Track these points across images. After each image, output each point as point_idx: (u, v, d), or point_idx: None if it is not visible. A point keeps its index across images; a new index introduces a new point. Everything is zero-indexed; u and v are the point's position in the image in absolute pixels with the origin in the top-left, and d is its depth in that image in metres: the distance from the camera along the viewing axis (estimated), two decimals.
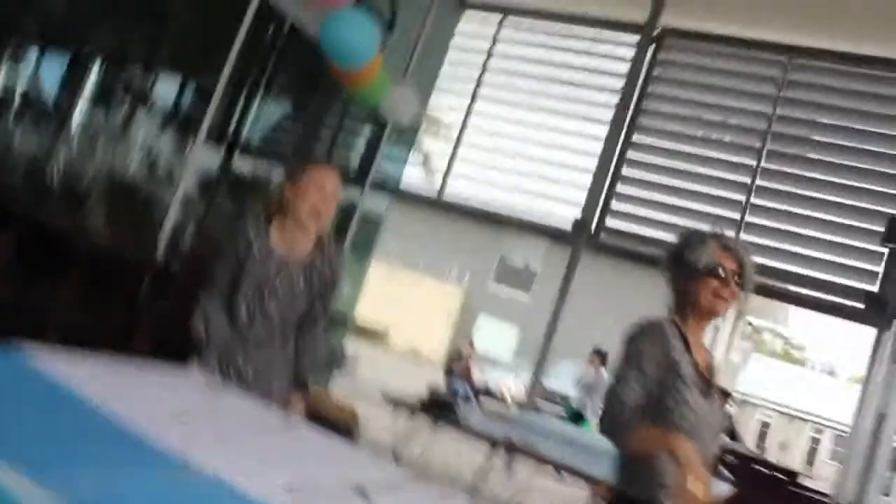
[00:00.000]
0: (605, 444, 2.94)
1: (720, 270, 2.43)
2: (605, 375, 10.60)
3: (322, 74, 5.09)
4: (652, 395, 2.34)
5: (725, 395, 2.53)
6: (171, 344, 2.94)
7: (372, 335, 26.31)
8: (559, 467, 4.15)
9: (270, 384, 2.82)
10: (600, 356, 11.10)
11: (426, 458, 5.29)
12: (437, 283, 32.85)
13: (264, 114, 6.90)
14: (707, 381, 2.41)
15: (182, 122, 6.01)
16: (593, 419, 11.06)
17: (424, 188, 9.92)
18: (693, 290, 2.48)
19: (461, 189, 9.89)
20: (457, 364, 13.46)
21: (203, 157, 6.18)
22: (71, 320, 4.23)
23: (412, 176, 9.46)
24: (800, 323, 39.57)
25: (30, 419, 1.44)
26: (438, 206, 9.90)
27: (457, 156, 9.84)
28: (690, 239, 2.54)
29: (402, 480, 1.96)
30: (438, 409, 4.01)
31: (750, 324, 42.61)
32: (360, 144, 7.39)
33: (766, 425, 39.91)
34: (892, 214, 6.97)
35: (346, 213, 6.77)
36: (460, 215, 10.60)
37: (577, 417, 9.31)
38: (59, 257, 4.39)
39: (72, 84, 5.32)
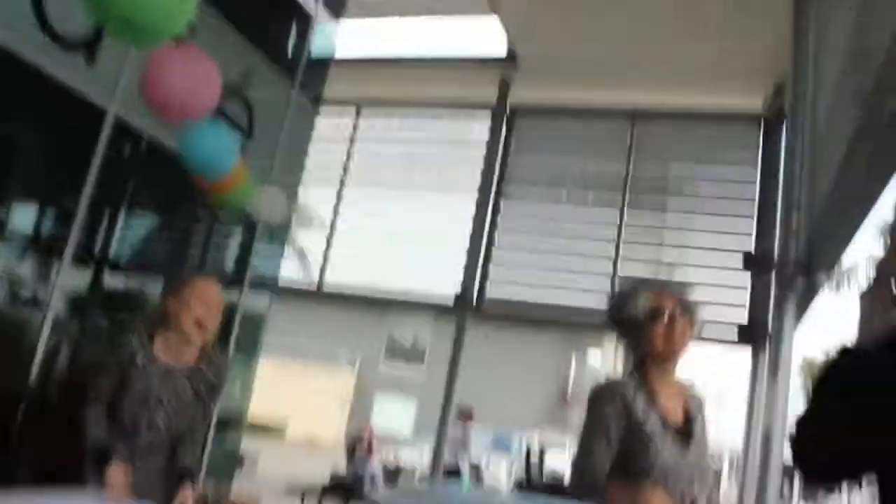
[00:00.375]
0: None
1: (663, 312, 2.41)
2: (471, 431, 10.68)
3: (187, 185, 5.08)
4: (620, 454, 2.31)
5: None
6: (54, 471, 2.87)
7: (269, 430, 25.67)
8: None
9: (161, 492, 2.76)
10: (466, 413, 11.37)
11: None
12: (329, 370, 32.46)
13: (131, 229, 6.79)
14: (680, 428, 2.36)
15: (45, 247, 5.87)
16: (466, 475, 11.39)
17: (304, 280, 9.89)
18: (644, 341, 2.45)
19: (341, 276, 9.93)
20: (359, 446, 13.28)
21: (71, 278, 6.04)
22: None
23: (291, 270, 9.42)
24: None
25: None
26: (320, 295, 9.88)
27: (332, 245, 9.91)
28: (623, 293, 2.56)
29: None
30: (344, 491, 3.95)
31: None
32: (234, 247, 7.34)
33: None
34: (749, 251, 7.39)
35: (227, 314, 6.67)
36: (345, 302, 10.61)
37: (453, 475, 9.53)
38: None
39: None
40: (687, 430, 2.37)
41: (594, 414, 2.39)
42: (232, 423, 7.49)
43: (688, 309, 2.46)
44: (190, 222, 7.04)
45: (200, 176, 4.28)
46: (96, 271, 6.50)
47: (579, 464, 2.38)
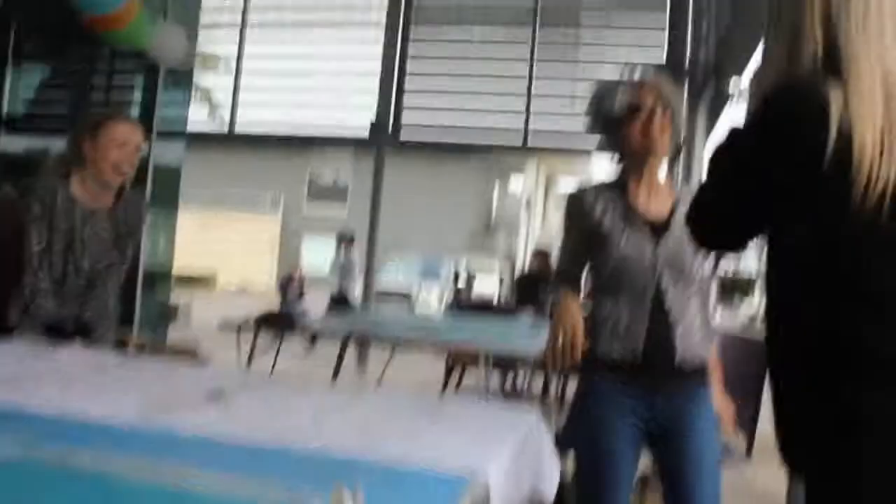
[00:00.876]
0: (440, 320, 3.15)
1: (639, 106, 2.32)
2: (355, 257, 11.00)
3: (77, 27, 4.78)
4: (589, 256, 2.37)
5: None
6: None
7: (198, 282, 25.68)
8: (407, 343, 4.32)
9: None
10: (348, 239, 11.59)
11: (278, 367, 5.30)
12: (254, 217, 32.27)
13: (23, 84, 6.46)
14: (658, 224, 2.32)
15: None
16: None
17: (214, 125, 9.65)
18: (622, 138, 2.37)
19: (254, 118, 9.70)
20: (289, 287, 13.53)
21: None
22: None
23: (200, 115, 9.16)
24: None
25: None
26: (235, 140, 9.67)
27: (240, 87, 9.58)
28: (600, 91, 2.45)
29: (256, 382, 2.08)
30: (279, 323, 4.05)
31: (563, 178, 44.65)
32: (136, 94, 7.03)
33: None
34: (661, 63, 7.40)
35: (138, 166, 6.50)
36: (261, 144, 10.41)
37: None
38: None
39: None
40: (666, 224, 2.32)
41: (562, 222, 2.46)
42: (158, 275, 7.46)
43: (668, 103, 2.35)
44: (86, 69, 6.68)
45: (89, 12, 4.04)
46: None
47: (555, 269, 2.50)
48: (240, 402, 1.76)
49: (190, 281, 19.90)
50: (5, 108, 6.45)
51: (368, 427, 1.63)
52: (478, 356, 3.73)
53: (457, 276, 9.57)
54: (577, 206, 2.40)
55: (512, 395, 6.02)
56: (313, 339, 10.03)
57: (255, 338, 3.96)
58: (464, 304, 8.10)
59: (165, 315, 9.01)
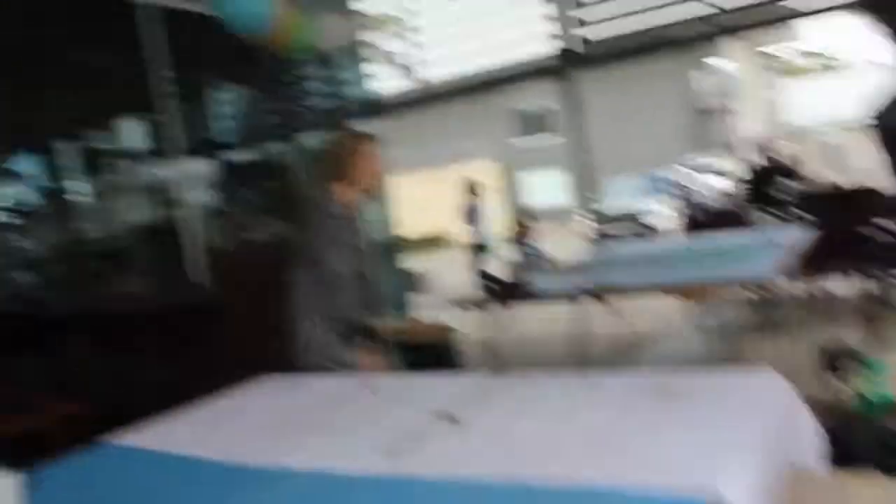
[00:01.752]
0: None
1: None
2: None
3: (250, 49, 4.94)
4: None
5: None
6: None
7: (431, 244, 26.42)
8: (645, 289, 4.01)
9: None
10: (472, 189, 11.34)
11: (519, 336, 5.24)
12: (467, 166, 32.65)
13: (221, 110, 6.88)
14: None
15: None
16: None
17: (407, 86, 9.80)
18: None
19: (443, 71, 9.77)
20: (521, 233, 13.63)
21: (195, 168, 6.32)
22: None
23: (390, 81, 9.37)
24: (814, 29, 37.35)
25: None
26: (430, 96, 9.70)
27: (421, 44, 9.61)
28: None
29: (488, 388, 1.97)
30: (511, 291, 3.94)
31: (765, 54, 41.16)
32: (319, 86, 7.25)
33: (835, 147, 38.77)
34: None
35: None
36: (457, 94, 10.40)
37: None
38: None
39: None
40: None
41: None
42: (394, 246, 7.77)
43: None
44: (273, 82, 6.99)
45: (249, 34, 4.10)
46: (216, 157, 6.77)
47: None
48: (475, 424, 1.67)
49: (421, 244, 20.45)
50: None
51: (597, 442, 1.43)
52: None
53: (682, 186, 8.98)
54: None
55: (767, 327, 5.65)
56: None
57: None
58: (699, 218, 7.58)
59: (411, 285, 9.40)
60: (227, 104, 7.15)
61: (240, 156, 7.52)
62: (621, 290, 3.85)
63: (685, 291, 3.47)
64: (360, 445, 1.67)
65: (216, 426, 2.05)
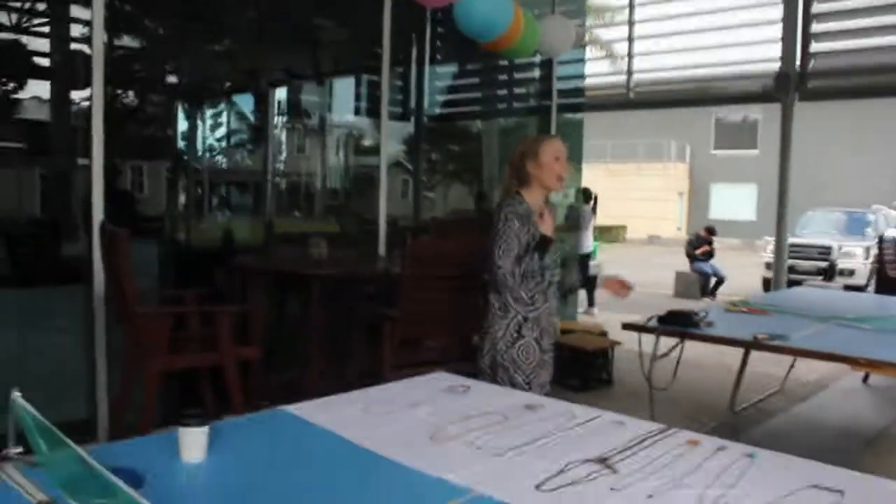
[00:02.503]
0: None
1: None
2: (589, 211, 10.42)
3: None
4: None
5: None
6: None
7: (609, 232, 26.33)
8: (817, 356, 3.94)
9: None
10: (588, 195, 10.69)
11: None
12: (661, 165, 32.05)
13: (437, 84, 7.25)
14: None
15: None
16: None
17: (614, 81, 9.85)
18: None
19: (655, 76, 9.74)
20: (701, 249, 13.31)
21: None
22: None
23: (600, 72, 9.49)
24: None
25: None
26: (633, 95, 9.66)
27: (634, 43, 9.60)
28: None
29: (644, 433, 2.08)
30: (680, 323, 3.94)
31: None
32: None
33: None
34: None
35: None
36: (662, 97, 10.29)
37: None
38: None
39: None
40: None
41: None
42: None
43: None
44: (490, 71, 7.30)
45: (481, 39, 4.32)
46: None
47: None
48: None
49: (602, 232, 20.43)
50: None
51: None
52: None
53: (879, 238, 8.46)
54: None
55: None
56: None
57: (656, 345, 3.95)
58: (892, 275, 7.21)
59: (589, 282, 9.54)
60: (438, 79, 7.54)
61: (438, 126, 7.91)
62: (788, 351, 3.77)
63: (855, 362, 3.39)
64: (515, 474, 1.77)
65: (386, 416, 2.21)
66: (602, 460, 1.85)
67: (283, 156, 7.83)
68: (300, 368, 4.41)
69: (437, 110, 7.78)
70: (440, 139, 8.49)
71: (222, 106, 7.32)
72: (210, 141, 7.26)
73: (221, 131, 7.32)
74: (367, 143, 7.76)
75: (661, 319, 3.86)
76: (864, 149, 26.24)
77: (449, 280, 3.84)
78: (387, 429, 2.09)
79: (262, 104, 7.27)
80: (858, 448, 4.78)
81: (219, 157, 7.60)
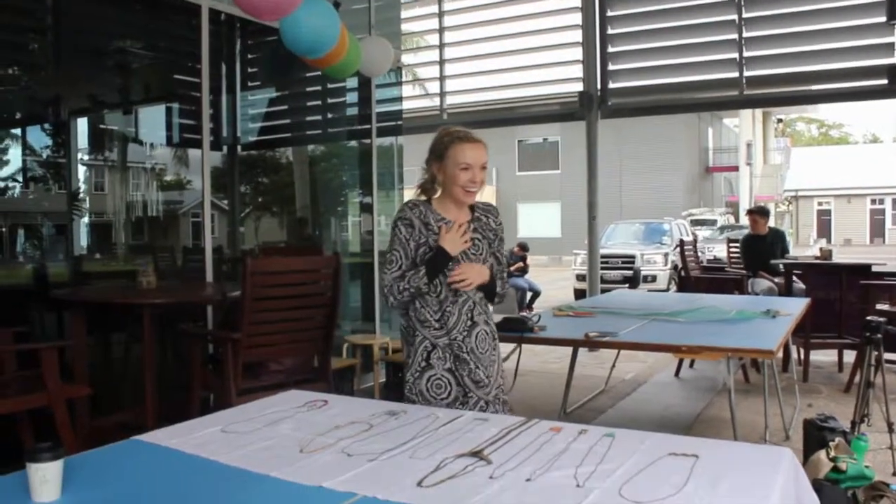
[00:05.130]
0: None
1: None
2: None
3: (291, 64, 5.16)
4: None
5: None
6: None
7: None
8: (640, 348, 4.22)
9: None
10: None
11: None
12: None
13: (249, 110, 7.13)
14: None
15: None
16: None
17: (425, 107, 10.08)
18: None
19: (462, 99, 10.04)
20: (516, 265, 13.73)
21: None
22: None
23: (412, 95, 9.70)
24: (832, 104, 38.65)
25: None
26: (443, 121, 9.91)
27: (445, 70, 9.87)
28: None
29: (509, 425, 2.15)
30: (515, 328, 4.07)
31: (780, 120, 41.99)
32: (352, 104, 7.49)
33: (826, 213, 39.77)
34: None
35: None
36: (470, 120, 10.63)
37: None
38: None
39: None
40: None
41: None
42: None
43: None
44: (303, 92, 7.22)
45: (305, 55, 4.30)
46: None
47: None
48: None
49: None
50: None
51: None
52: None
53: (684, 242, 9.20)
54: None
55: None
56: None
57: None
58: (693, 275, 7.82)
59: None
60: (255, 105, 7.39)
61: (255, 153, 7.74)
62: (622, 345, 4.02)
63: (682, 349, 3.66)
64: (395, 475, 1.76)
65: (248, 434, 2.13)
66: (475, 453, 1.89)
67: (88, 189, 7.39)
68: (134, 406, 4.16)
69: (253, 137, 7.63)
70: (257, 167, 8.32)
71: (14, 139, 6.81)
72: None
73: (14, 167, 6.82)
74: (181, 173, 7.48)
75: (498, 326, 3.96)
76: (656, 162, 28.23)
77: (292, 299, 3.76)
78: (252, 446, 2.01)
79: (63, 135, 6.83)
80: (682, 432, 5.11)
81: (15, 194, 7.06)
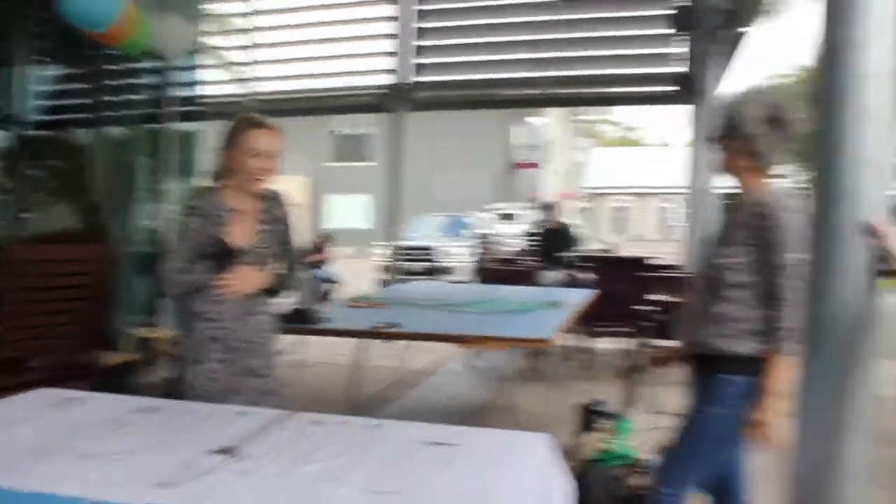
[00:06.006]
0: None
1: None
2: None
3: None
4: None
5: None
6: None
7: None
8: (432, 338, 4.26)
9: None
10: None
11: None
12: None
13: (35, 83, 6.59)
14: None
15: None
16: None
17: (239, 94, 9.71)
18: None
19: (273, 86, 9.74)
20: (315, 256, 13.60)
21: None
22: None
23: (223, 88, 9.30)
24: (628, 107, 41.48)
25: None
26: (252, 108, 9.58)
27: (256, 54, 9.56)
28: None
29: (268, 419, 2.09)
30: (303, 320, 3.98)
31: (583, 121, 44.26)
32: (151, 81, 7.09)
33: (622, 210, 42.48)
34: (677, 6, 7.16)
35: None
36: (281, 109, 10.35)
37: None
38: None
39: None
40: None
41: None
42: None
43: None
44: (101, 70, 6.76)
45: (86, 28, 4.03)
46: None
47: None
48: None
49: None
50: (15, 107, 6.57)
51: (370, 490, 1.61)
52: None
53: (483, 236, 9.42)
54: None
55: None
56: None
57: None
58: (489, 267, 8.05)
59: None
60: (38, 82, 6.84)
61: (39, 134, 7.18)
62: (406, 336, 4.04)
63: (465, 340, 3.73)
64: (135, 475, 1.67)
65: None
66: (227, 450, 1.82)
67: None
68: None
69: (46, 117, 7.06)
70: (48, 149, 7.69)
71: None
72: None
73: None
74: None
75: (285, 318, 3.86)
76: (465, 157, 28.86)
77: (56, 290, 3.48)
78: None
79: None
80: (463, 421, 5.23)
81: None
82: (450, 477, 1.67)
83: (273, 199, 2.86)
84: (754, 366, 2.29)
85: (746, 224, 2.34)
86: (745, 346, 2.32)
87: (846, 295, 1.28)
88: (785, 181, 2.60)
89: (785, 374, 2.24)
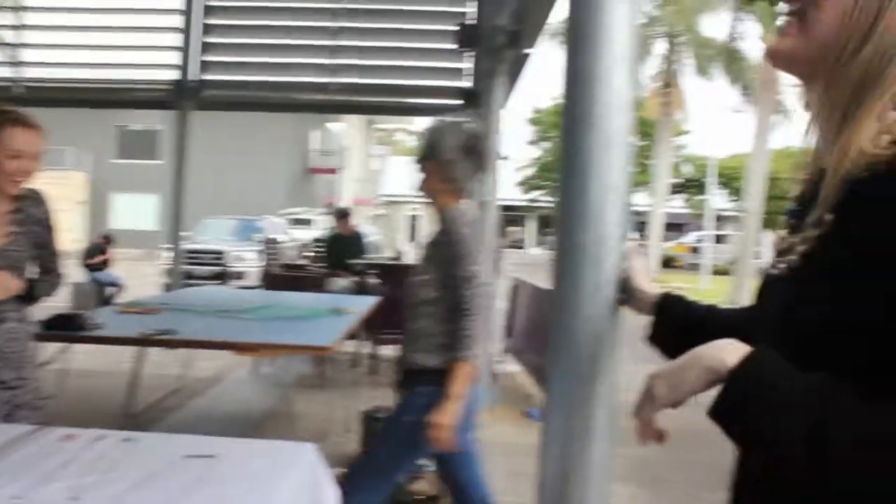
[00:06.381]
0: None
1: None
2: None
3: None
4: None
5: None
6: None
7: None
8: (204, 345, 4.12)
9: None
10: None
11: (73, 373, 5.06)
12: (59, 175, 30.20)
13: None
14: None
15: None
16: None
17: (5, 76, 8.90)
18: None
19: (54, 73, 9.03)
20: (97, 258, 12.78)
21: None
22: None
23: None
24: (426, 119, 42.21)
25: None
26: (28, 96, 8.86)
27: (28, 36, 8.86)
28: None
29: (13, 436, 1.95)
30: (67, 327, 3.74)
31: (380, 129, 44.74)
32: None
33: (415, 218, 43.32)
34: (461, 23, 7.38)
35: None
36: (61, 99, 9.66)
37: None
38: None
39: None
40: None
41: None
42: None
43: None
44: None
45: None
46: None
47: None
48: None
49: None
50: None
51: None
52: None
53: (272, 241, 9.26)
54: None
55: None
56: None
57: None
58: (276, 273, 7.96)
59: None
60: None
61: None
62: (177, 343, 3.91)
63: (240, 347, 3.66)
64: None
65: None
66: None
67: None
68: None
69: None
70: None
71: None
72: None
73: None
74: None
75: (47, 324, 3.60)
76: (261, 160, 28.31)
77: None
78: None
79: None
80: (248, 430, 5.14)
81: None
82: (206, 492, 1.63)
83: (31, 199, 2.69)
84: (444, 376, 2.45)
85: (435, 242, 2.54)
86: (435, 360, 2.51)
87: (589, 309, 1.38)
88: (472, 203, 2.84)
89: (464, 380, 2.44)
